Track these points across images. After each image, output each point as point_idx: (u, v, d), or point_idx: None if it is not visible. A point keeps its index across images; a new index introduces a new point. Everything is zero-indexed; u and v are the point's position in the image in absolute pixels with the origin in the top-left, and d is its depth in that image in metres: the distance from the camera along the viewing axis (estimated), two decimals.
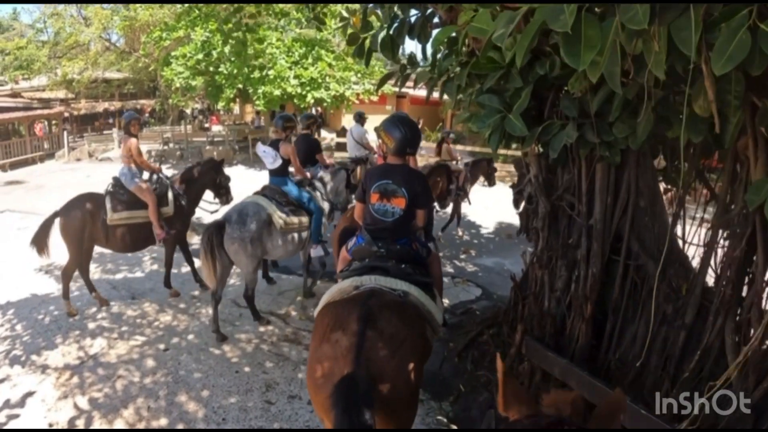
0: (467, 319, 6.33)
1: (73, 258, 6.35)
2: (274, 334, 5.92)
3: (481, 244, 9.67)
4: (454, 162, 9.58)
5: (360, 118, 10.70)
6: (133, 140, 6.43)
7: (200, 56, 17.19)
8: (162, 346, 5.59)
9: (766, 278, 3.10)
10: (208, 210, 7.26)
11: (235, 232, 5.60)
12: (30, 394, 4.73)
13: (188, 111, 36.57)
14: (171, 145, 22.55)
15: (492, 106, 3.56)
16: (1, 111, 22.24)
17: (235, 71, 17.21)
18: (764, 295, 3.12)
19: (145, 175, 6.61)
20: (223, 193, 7.34)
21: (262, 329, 6.02)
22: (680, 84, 2.56)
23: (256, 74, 17.22)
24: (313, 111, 26.22)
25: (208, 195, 7.41)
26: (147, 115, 36.63)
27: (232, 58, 17.11)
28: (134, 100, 34.48)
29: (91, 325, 6.08)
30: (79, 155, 22.95)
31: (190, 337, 5.83)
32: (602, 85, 3.09)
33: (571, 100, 3.52)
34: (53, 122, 25.48)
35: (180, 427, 4.29)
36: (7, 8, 35.24)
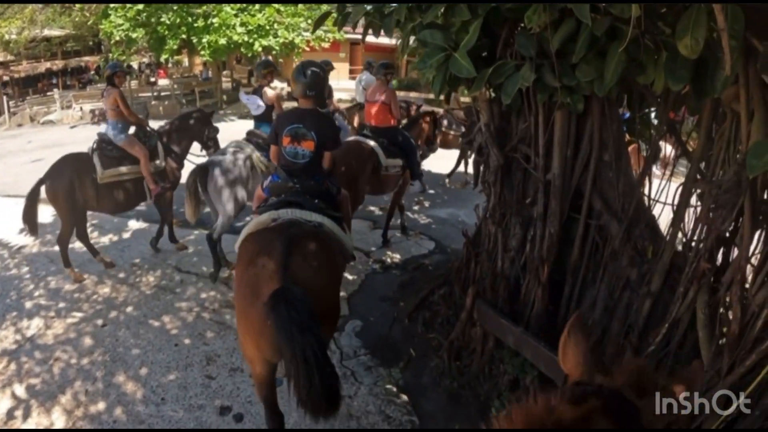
0: (419, 276, 6.09)
1: (66, 224, 6.11)
2: (216, 300, 5.60)
3: (436, 195, 9.35)
4: None
5: (369, 66, 10.24)
6: (118, 92, 6.17)
7: (140, 6, 16.20)
8: (100, 322, 5.22)
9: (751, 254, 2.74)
10: (196, 162, 6.85)
11: (219, 176, 5.66)
12: None
13: (135, 65, 35.22)
14: None
15: (435, 43, 3.18)
16: None
17: (178, 21, 16.31)
18: (747, 272, 2.77)
19: (131, 129, 6.38)
20: (210, 144, 7.15)
21: (203, 295, 5.70)
22: (657, 20, 2.21)
23: (200, 23, 16.35)
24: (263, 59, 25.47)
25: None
26: (92, 72, 35.18)
27: (174, 7, 16.19)
28: (78, 58, 32.98)
29: (29, 305, 5.66)
30: (20, 120, 22.05)
31: (129, 309, 5.46)
32: (565, 20, 2.71)
33: (527, 37, 3.05)
34: None
35: (118, 410, 4.00)
36: None
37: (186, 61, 33.85)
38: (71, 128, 19.76)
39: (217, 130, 7.28)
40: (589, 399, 1.00)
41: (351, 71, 29.90)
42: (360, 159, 6.15)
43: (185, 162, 6.93)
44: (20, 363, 4.64)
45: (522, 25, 3.26)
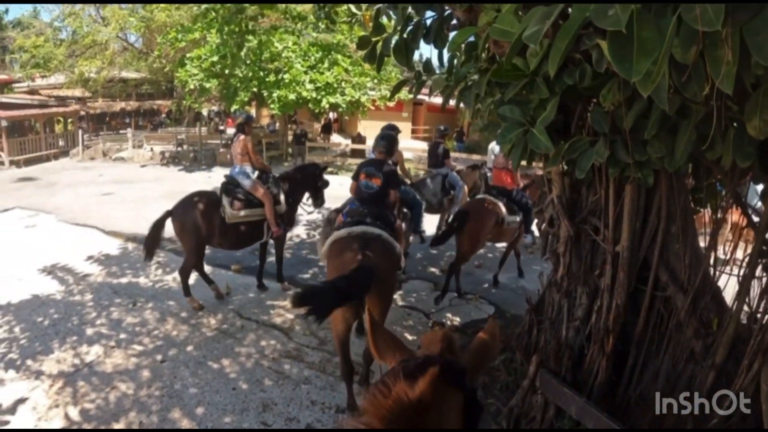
0: None
1: (190, 256, 6.51)
2: (276, 349, 5.65)
3: (496, 258, 9.35)
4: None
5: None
6: (248, 139, 6.80)
7: (215, 58, 17.05)
8: (159, 357, 5.37)
9: None
10: (306, 211, 7.74)
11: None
12: (22, 400, 4.59)
13: (205, 113, 36.60)
14: (185, 146, 22.44)
15: (514, 118, 3.22)
16: (17, 108, 22.31)
17: (250, 74, 17.08)
18: None
19: (255, 173, 6.86)
20: (319, 196, 7.67)
21: (263, 343, 5.76)
22: (728, 100, 2.24)
23: (271, 78, 17.11)
24: (330, 116, 26.09)
25: None
26: (164, 116, 36.74)
27: (247, 62, 16.95)
28: (151, 101, 34.58)
29: (89, 331, 5.89)
30: (93, 154, 22.99)
31: (189, 348, 5.59)
32: (638, 99, 2.74)
33: (602, 114, 3.08)
34: (69, 120, 25.50)
35: None
36: (28, 6, 35.47)
37: (254, 112, 34.99)
38: (141, 167, 20.58)
39: (327, 184, 7.78)
40: (426, 368, 1.08)
41: (413, 131, 30.48)
42: (487, 214, 7.13)
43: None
44: (76, 387, 4.81)
45: (596, 101, 3.27)
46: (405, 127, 28.22)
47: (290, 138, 22.45)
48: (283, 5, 17.46)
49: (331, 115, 26.07)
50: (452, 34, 3.60)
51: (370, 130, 25.46)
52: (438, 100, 31.40)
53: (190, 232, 6.36)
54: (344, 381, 4.55)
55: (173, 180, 17.25)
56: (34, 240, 9.84)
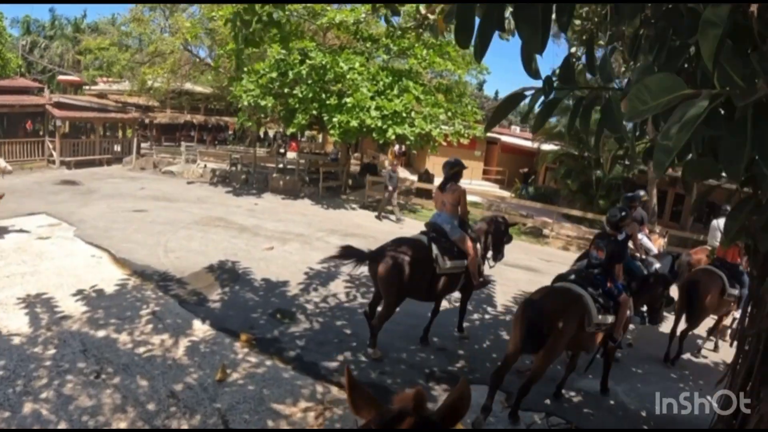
0: None
1: (389, 305, 6.14)
2: None
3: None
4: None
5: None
6: (464, 192, 6.62)
7: (274, 74, 15.57)
8: None
9: None
10: (489, 265, 7.34)
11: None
12: None
13: (271, 134, 35.77)
14: (239, 167, 21.12)
15: None
16: (77, 109, 22.06)
17: (310, 95, 15.48)
18: None
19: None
20: (500, 250, 7.35)
21: None
22: None
23: (333, 101, 15.41)
24: (396, 148, 24.26)
25: None
26: (230, 132, 36.13)
27: (309, 81, 15.40)
28: (218, 116, 34.02)
29: (27, 408, 4.62)
30: (144, 164, 22.33)
31: None
32: None
33: None
34: (129, 127, 25.19)
35: None
36: (106, 13, 36.12)
37: (321, 138, 33.83)
38: (188, 183, 19.68)
39: (510, 239, 7.60)
40: (401, 420, 1.21)
41: (485, 171, 28.28)
42: (711, 281, 7.20)
43: None
44: None
45: None
46: (477, 167, 26.16)
47: (353, 168, 20.78)
48: (354, 26, 16.02)
49: (395, 148, 24.12)
50: None
51: (439, 167, 23.37)
52: (513, 139, 29.79)
53: (392, 280, 5.94)
54: (490, 383, 4.97)
55: (215, 203, 15.93)
56: (36, 256, 8.98)
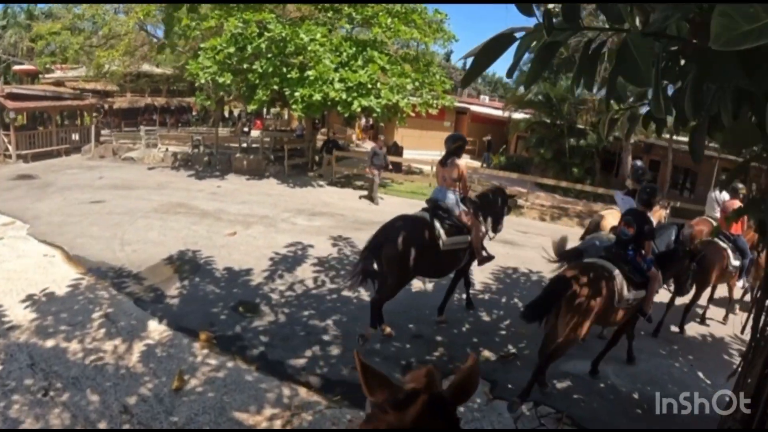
0: None
1: (393, 287, 6.00)
2: None
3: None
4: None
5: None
6: (465, 166, 6.51)
7: (231, 50, 14.81)
8: None
9: None
10: (488, 237, 7.23)
11: None
12: None
13: (236, 113, 34.93)
14: (201, 148, 20.43)
15: None
16: (30, 99, 21.05)
17: (270, 70, 14.79)
18: None
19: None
20: (500, 222, 7.38)
21: None
22: None
23: (294, 74, 14.74)
24: (363, 121, 23.71)
25: None
26: (194, 114, 35.18)
27: (268, 55, 14.70)
28: (180, 98, 33.11)
29: None
30: (103, 152, 21.52)
31: None
32: None
33: None
34: (93, 115, 24.31)
35: None
36: None
37: (286, 114, 33.09)
38: (148, 169, 19.00)
39: (510, 210, 7.79)
40: (415, 399, 1.20)
41: None
42: (716, 254, 7.36)
43: None
44: None
45: None
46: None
47: (319, 144, 20.21)
48: None
49: (362, 121, 23.54)
50: None
51: (408, 139, 23.00)
52: (483, 109, 29.33)
53: (398, 260, 5.80)
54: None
55: (176, 188, 15.32)
56: None
